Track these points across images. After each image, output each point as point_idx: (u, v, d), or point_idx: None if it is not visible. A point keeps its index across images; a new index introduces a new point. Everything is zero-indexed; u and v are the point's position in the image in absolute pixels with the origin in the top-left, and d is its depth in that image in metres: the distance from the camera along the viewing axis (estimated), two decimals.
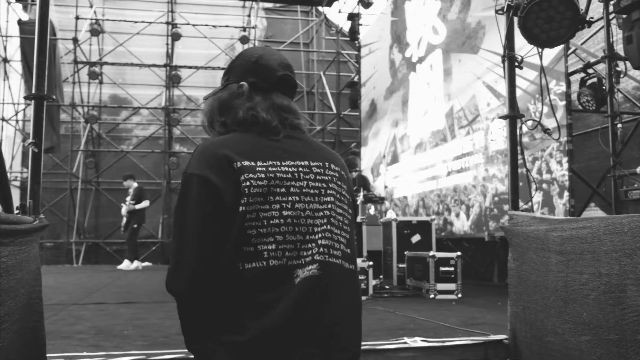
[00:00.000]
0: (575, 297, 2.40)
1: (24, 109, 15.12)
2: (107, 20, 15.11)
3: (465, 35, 8.24)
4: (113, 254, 14.36)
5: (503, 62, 3.33)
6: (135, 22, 14.72)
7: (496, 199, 7.25)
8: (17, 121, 15.09)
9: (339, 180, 1.58)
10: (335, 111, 15.13)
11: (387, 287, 6.19)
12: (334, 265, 1.46)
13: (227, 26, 15.39)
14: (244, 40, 14.67)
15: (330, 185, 1.54)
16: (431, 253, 5.63)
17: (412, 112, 10.18)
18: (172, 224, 1.52)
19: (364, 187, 8.43)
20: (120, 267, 10.89)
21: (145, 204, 11.02)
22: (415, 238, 6.50)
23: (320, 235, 1.47)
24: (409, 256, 6.22)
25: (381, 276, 6.61)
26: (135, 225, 10.99)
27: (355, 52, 14.54)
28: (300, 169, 1.52)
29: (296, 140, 1.59)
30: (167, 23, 14.96)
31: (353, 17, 13.66)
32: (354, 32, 13.68)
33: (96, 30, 14.43)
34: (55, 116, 14.35)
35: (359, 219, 5.89)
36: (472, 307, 5.01)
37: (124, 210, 11.13)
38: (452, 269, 5.60)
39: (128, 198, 11.10)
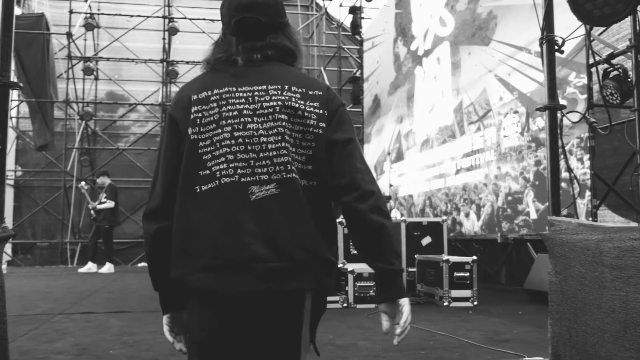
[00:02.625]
0: (638, 320, 2.02)
1: (17, 105, 14.71)
2: (102, 14, 14.71)
3: (475, 27, 7.84)
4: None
5: (541, 45, 2.92)
6: (131, 16, 14.31)
7: (509, 198, 6.87)
8: (10, 117, 14.65)
9: (302, 99, 1.54)
10: None
11: None
12: (294, 181, 1.46)
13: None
14: None
15: (287, 104, 1.52)
16: (445, 257, 5.24)
17: (418, 108, 9.79)
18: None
19: None
20: (101, 270, 10.43)
21: (108, 204, 10.50)
22: (426, 240, 6.11)
23: (275, 152, 1.47)
24: (420, 260, 5.83)
25: None
26: (107, 226, 10.52)
27: (357, 47, 14.16)
28: (256, 92, 1.53)
29: (262, 67, 1.59)
30: (164, 17, 14.56)
31: (355, 11, 13.27)
32: (355, 26, 13.28)
33: (91, 25, 14.01)
34: (49, 113, 13.96)
35: None
36: (491, 317, 4.63)
37: (90, 206, 10.74)
38: (467, 274, 5.21)
39: (102, 195, 10.66)
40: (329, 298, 5.22)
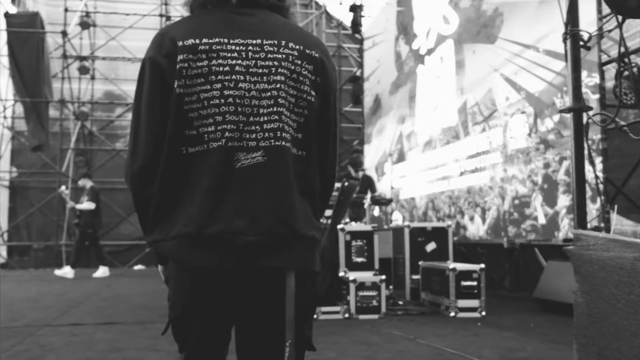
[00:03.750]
0: None
1: (13, 105, 14.46)
2: (99, 12, 14.46)
3: (480, 24, 7.60)
4: (105, 256, 13.77)
5: (564, 40, 2.66)
6: (128, 14, 14.07)
7: (516, 202, 6.62)
8: (5, 118, 14.43)
9: (299, 58, 1.44)
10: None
11: (400, 302, 5.55)
12: (283, 149, 1.38)
13: None
14: None
15: (283, 64, 1.42)
16: (451, 265, 4.99)
17: (420, 108, 9.55)
18: (132, 107, 1.46)
19: (370, 188, 7.80)
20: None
21: (88, 205, 10.19)
22: (430, 246, 5.87)
23: (266, 118, 1.38)
24: (424, 267, 5.58)
25: (391, 286, 5.99)
26: (89, 231, 10.22)
27: (357, 46, 13.90)
28: (250, 47, 1.41)
29: (255, 17, 1.47)
30: (161, 16, 14.31)
31: (355, 9, 13.00)
32: (356, 25, 13.03)
33: (86, 23, 13.76)
34: (44, 113, 13.73)
35: (369, 227, 5.24)
36: (502, 330, 4.38)
37: (69, 205, 10.46)
38: (475, 283, 4.96)
39: (84, 198, 10.38)
40: (329, 309, 4.98)
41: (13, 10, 14.86)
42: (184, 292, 1.37)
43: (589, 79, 5.57)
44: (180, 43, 1.39)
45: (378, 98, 11.77)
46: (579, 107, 2.62)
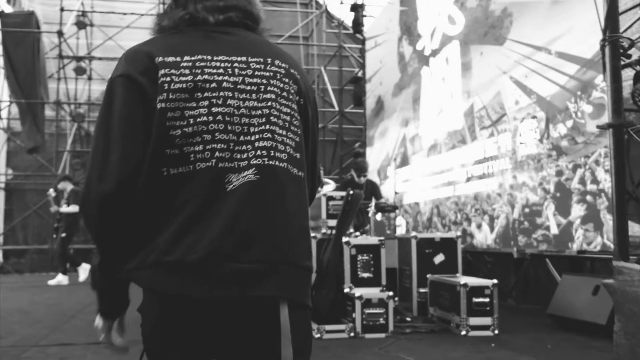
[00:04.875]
0: None
1: (8, 106, 14.22)
2: (95, 12, 14.20)
3: (488, 25, 7.34)
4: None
5: (602, 48, 2.39)
6: (125, 14, 13.80)
7: (527, 210, 6.36)
8: (0, 119, 14.20)
9: (286, 77, 1.40)
10: (337, 108, 14.20)
11: (408, 318, 5.29)
12: (277, 169, 1.30)
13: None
14: None
15: (272, 82, 1.36)
16: (462, 281, 4.73)
17: (424, 111, 9.28)
18: (95, 128, 1.32)
19: (374, 195, 7.55)
20: (51, 282, 9.82)
21: (72, 208, 9.89)
22: (439, 258, 5.61)
23: (257, 136, 1.30)
24: (433, 281, 5.32)
25: (396, 298, 5.73)
26: (63, 235, 9.91)
27: (359, 46, 13.64)
28: (236, 64, 1.35)
29: (235, 35, 1.41)
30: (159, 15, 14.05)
31: (356, 8, 12.76)
32: (357, 24, 12.78)
33: (82, 23, 13.52)
34: (40, 114, 13.50)
35: (376, 241, 4.98)
36: (518, 353, 4.12)
37: (52, 209, 10.18)
38: (487, 299, 4.70)
39: (63, 201, 10.10)
40: (333, 327, 4.72)
41: (8, 9, 14.61)
42: (161, 325, 1.24)
43: (604, 83, 5.28)
44: (159, 59, 1.30)
45: (380, 100, 11.50)
46: (619, 123, 2.35)
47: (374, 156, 11.68)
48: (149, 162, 1.26)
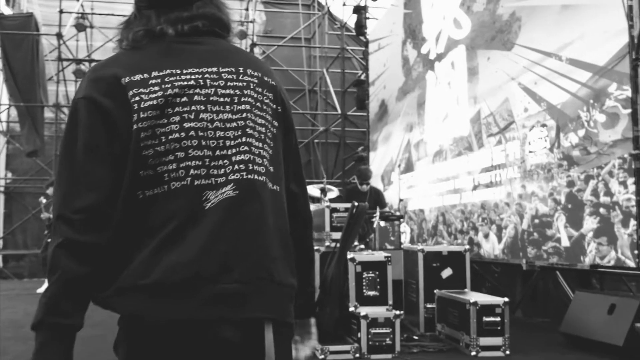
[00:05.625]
0: None
1: (7, 109, 14.09)
2: (95, 14, 14.04)
3: (495, 29, 7.15)
4: None
5: (635, 68, 2.18)
6: (125, 16, 13.57)
7: (536, 221, 6.18)
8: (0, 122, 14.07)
9: (259, 86, 1.34)
10: (339, 111, 14.01)
11: (415, 336, 5.11)
12: (256, 183, 1.24)
13: (232, 19, 14.25)
14: (241, 35, 13.56)
15: (245, 92, 1.31)
16: (472, 299, 4.55)
17: (429, 116, 9.10)
18: (59, 155, 1.25)
19: (379, 204, 7.36)
20: (39, 290, 9.66)
21: None
22: (446, 273, 5.43)
23: (234, 150, 1.25)
24: (441, 297, 5.15)
25: (402, 312, 5.54)
26: (49, 240, 9.69)
27: (362, 49, 13.45)
28: (207, 75, 1.28)
29: (203, 45, 1.35)
30: None
31: (359, 10, 12.59)
32: (360, 27, 12.60)
33: (82, 25, 13.35)
34: (39, 118, 13.36)
35: (382, 257, 4.80)
36: None
37: (43, 216, 10.03)
38: (498, 319, 4.52)
39: (51, 207, 9.95)
40: (338, 347, 4.54)
41: (8, 11, 14.46)
42: (140, 352, 1.19)
43: (618, 92, 5.12)
44: (126, 79, 1.24)
45: (384, 104, 11.32)
46: None
47: (378, 161, 11.50)
48: (124, 187, 1.21)
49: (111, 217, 1.21)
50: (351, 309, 4.65)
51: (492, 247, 7.09)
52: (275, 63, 14.87)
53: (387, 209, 7.39)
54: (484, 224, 7.28)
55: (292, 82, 15.03)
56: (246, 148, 1.26)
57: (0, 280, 12.41)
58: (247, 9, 14.72)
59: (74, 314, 1.18)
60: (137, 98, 1.22)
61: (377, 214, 6.37)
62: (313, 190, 7.26)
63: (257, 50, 14.49)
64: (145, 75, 1.25)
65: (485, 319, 4.48)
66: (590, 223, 5.36)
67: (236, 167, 1.24)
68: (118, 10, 13.81)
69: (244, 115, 1.29)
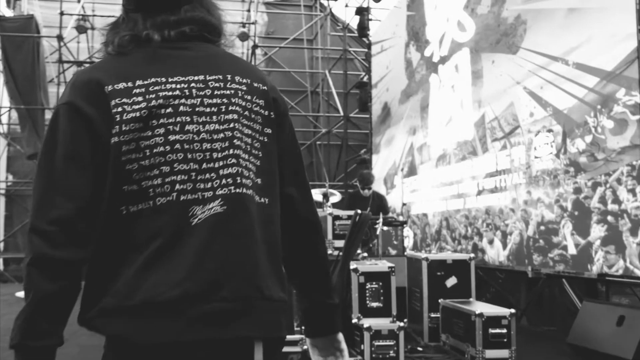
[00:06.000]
0: None
1: (8, 111, 14.03)
2: (96, 16, 13.97)
3: (500, 32, 7.05)
4: None
5: None
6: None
7: (542, 228, 6.08)
8: (0, 124, 14.01)
9: (248, 93, 1.29)
10: (342, 113, 13.90)
11: (419, 348, 5.01)
12: (244, 197, 1.21)
13: (225, 22, 14.15)
14: (243, 37, 13.45)
15: (233, 101, 1.26)
16: (477, 310, 4.45)
17: (433, 119, 9.00)
18: (38, 162, 1.20)
19: (382, 210, 7.27)
20: (19, 294, 9.59)
21: None
22: (451, 282, 5.33)
23: (222, 162, 1.21)
24: (445, 306, 5.05)
25: (405, 320, 5.45)
26: None
27: (364, 50, 13.35)
28: (193, 84, 1.24)
29: (191, 50, 1.30)
30: None
31: (362, 12, 12.48)
32: (363, 28, 12.50)
33: (82, 27, 13.25)
34: (40, 120, 13.26)
35: (386, 267, 4.69)
36: None
37: None
38: (504, 330, 4.41)
39: None
40: None
41: (9, 13, 14.39)
42: None
43: (627, 98, 5.02)
44: (109, 88, 1.20)
45: (387, 106, 11.22)
46: None
47: (380, 164, 11.40)
48: (106, 201, 1.17)
49: (88, 231, 1.16)
50: (354, 320, 4.55)
51: (496, 253, 6.99)
52: (277, 64, 14.79)
53: (390, 216, 7.30)
54: (489, 230, 7.18)
55: (294, 83, 14.95)
56: (234, 160, 1.22)
57: (0, 284, 12.34)
58: (248, 10, 14.62)
59: (52, 334, 1.14)
60: (120, 109, 1.18)
61: (381, 220, 6.27)
62: (315, 194, 7.17)
63: (259, 51, 14.40)
64: (130, 84, 1.21)
65: (492, 330, 4.38)
66: (597, 231, 5.26)
67: (224, 181, 1.20)
68: (119, 12, 13.75)
69: (232, 125, 1.24)
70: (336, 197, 8.43)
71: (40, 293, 1.12)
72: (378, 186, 10.53)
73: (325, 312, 1.40)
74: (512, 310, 4.50)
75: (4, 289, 11.28)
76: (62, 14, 13.27)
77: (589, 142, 5.44)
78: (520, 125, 6.53)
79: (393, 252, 6.43)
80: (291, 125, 1.41)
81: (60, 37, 13.19)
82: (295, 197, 1.38)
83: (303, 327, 1.45)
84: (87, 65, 13.34)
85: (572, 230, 5.59)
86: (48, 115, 13.66)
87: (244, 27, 13.77)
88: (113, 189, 1.17)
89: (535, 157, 6.24)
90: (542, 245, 6.07)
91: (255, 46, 13.85)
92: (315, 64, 15.43)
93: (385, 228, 6.49)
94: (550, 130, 6.00)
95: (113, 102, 1.19)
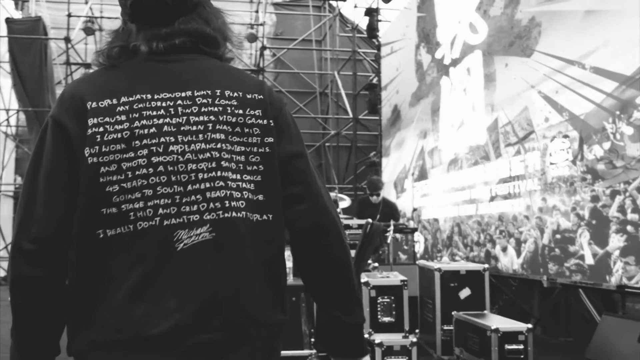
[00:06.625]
0: None
1: (16, 113, 13.98)
2: (104, 17, 13.91)
3: (513, 35, 6.88)
4: None
5: None
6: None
7: (558, 236, 5.91)
8: (8, 126, 13.94)
9: (240, 107, 1.23)
10: (351, 114, 13.75)
11: None
12: (235, 221, 1.15)
13: (233, 23, 13.95)
14: (251, 38, 13.33)
15: (221, 119, 1.20)
16: (493, 325, 4.30)
17: (444, 123, 8.84)
18: (25, 176, 1.19)
19: (393, 217, 7.12)
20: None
21: None
22: (464, 293, 5.18)
23: (208, 184, 1.15)
24: (459, 319, 4.90)
25: (417, 330, 5.30)
26: None
27: (374, 51, 13.20)
28: (179, 101, 1.20)
29: (182, 63, 1.25)
30: None
31: (371, 13, 12.32)
32: (372, 29, 12.34)
33: (90, 29, 13.18)
34: None
35: (398, 281, 4.54)
36: None
37: None
38: (521, 347, 4.26)
39: None
40: None
41: (17, 15, 14.36)
42: None
43: None
44: (92, 104, 1.17)
45: (397, 109, 11.06)
46: None
47: (390, 168, 11.24)
48: (80, 224, 1.13)
49: (67, 250, 1.15)
50: (365, 335, 4.41)
51: (510, 261, 6.83)
52: (285, 65, 14.68)
53: (401, 222, 7.16)
54: (502, 237, 7.01)
55: (302, 84, 14.83)
56: (222, 183, 1.17)
57: (6, 287, 12.26)
58: (257, 11, 14.51)
59: (44, 352, 1.18)
60: (102, 128, 1.15)
61: (392, 228, 6.12)
62: None
63: (267, 52, 14.27)
64: (114, 101, 1.18)
65: (508, 346, 4.22)
66: (616, 241, 5.09)
67: (212, 205, 1.15)
68: None
69: (219, 145, 1.19)
70: (346, 202, 8.28)
71: (24, 315, 1.14)
72: (388, 190, 10.38)
73: (342, 331, 1.28)
74: (529, 326, 4.34)
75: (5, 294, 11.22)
76: (69, 15, 13.21)
77: (607, 149, 5.27)
78: (535, 131, 6.36)
79: (404, 257, 6.30)
80: (289, 124, 1.33)
81: (67, 39, 13.13)
82: (300, 195, 1.29)
83: (312, 340, 1.39)
84: (95, 67, 13.38)
85: (590, 240, 5.43)
86: None
87: (252, 28, 13.65)
88: (89, 212, 1.13)
89: (551, 164, 6.07)
90: (557, 254, 5.91)
91: (263, 47, 13.73)
92: (324, 65, 15.31)
93: (397, 236, 6.36)
94: (566, 136, 5.83)
95: (92, 121, 1.16)
